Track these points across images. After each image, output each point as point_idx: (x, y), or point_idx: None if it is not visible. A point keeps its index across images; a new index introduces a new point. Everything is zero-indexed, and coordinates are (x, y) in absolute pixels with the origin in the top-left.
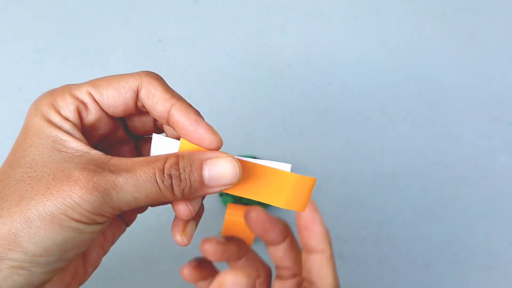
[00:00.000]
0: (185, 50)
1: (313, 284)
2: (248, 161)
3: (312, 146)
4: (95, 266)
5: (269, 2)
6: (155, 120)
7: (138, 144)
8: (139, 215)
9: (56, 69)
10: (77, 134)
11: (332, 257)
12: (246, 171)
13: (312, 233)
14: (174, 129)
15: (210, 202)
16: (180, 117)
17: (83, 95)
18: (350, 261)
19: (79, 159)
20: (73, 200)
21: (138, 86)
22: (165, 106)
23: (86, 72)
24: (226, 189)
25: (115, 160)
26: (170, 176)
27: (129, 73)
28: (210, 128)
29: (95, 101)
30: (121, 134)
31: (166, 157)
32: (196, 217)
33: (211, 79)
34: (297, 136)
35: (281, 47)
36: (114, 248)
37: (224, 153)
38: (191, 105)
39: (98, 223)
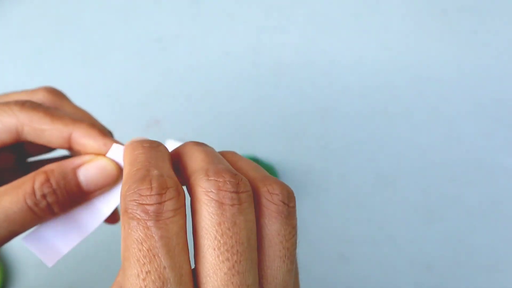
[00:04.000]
0: (185, 49)
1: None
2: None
3: (312, 146)
4: None
5: (269, 2)
6: None
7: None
8: None
9: (56, 69)
10: None
11: (93, 127)
12: None
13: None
14: (79, 152)
15: None
16: (85, 142)
17: None
18: (351, 262)
19: None
20: None
21: (17, 126)
22: (61, 137)
23: (85, 72)
24: (109, 188)
25: None
26: (43, 196)
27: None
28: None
29: None
30: None
31: (32, 177)
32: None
33: (211, 79)
34: (297, 136)
35: (281, 47)
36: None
37: (93, 154)
38: (90, 125)
39: None
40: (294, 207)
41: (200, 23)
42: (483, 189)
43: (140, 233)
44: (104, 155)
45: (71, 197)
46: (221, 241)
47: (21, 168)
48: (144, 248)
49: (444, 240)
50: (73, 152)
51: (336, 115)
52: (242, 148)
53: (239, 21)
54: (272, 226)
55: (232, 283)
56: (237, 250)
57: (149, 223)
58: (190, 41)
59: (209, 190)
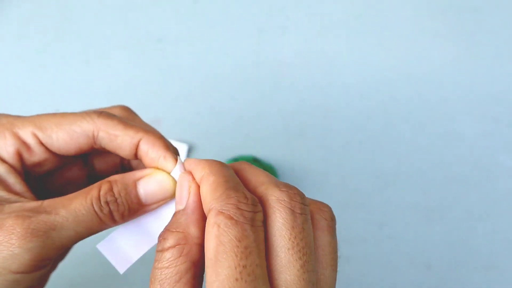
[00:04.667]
0: (185, 50)
1: None
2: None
3: (312, 146)
4: (44, 284)
5: (269, 2)
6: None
7: (88, 158)
8: None
9: (56, 69)
10: (12, 178)
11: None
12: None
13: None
14: (142, 161)
15: None
16: (148, 151)
17: (27, 135)
18: (351, 262)
19: (10, 208)
20: (11, 251)
21: (93, 131)
22: (132, 143)
23: (86, 72)
24: (165, 203)
25: (49, 202)
26: (107, 203)
27: (80, 114)
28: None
29: (41, 143)
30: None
31: (99, 185)
32: None
33: (211, 79)
34: (297, 136)
35: (281, 47)
36: None
37: (156, 168)
38: (159, 135)
39: (40, 269)
40: (335, 224)
41: (200, 23)
42: (483, 189)
43: (238, 232)
44: (163, 169)
45: (130, 208)
46: (294, 242)
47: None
48: (241, 245)
49: (444, 240)
50: (140, 164)
51: (336, 115)
52: (242, 148)
53: (240, 21)
54: (325, 238)
55: (304, 279)
56: (306, 252)
57: (246, 226)
58: (191, 41)
59: (282, 199)
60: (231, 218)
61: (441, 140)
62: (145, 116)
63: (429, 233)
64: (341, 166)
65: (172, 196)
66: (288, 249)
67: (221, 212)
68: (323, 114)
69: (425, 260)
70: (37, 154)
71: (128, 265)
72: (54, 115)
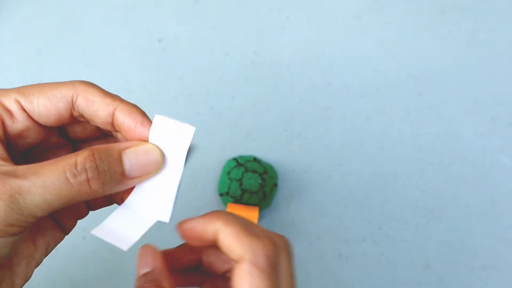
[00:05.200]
0: (185, 50)
1: None
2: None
3: (312, 146)
4: (25, 278)
5: (269, 2)
6: (97, 127)
7: (79, 147)
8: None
9: (56, 69)
10: None
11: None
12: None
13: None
14: (120, 133)
15: (210, 202)
16: (125, 119)
17: (10, 102)
18: (350, 261)
19: None
20: None
21: (73, 95)
22: (107, 110)
23: (86, 72)
24: (146, 179)
25: (23, 167)
26: (85, 169)
27: (63, 82)
28: None
29: (24, 109)
30: (56, 140)
31: (77, 153)
32: None
33: (211, 79)
34: (297, 136)
35: (281, 47)
36: (115, 246)
37: (143, 141)
38: (135, 105)
39: (11, 235)
40: None
41: (200, 23)
42: (482, 189)
43: (269, 282)
44: (147, 141)
45: (111, 177)
46: None
47: (69, 147)
48: None
49: (443, 239)
50: (115, 134)
51: (336, 115)
52: (242, 148)
53: (239, 21)
54: None
55: None
56: None
57: (273, 274)
58: (191, 42)
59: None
60: (263, 269)
61: (440, 140)
62: None
63: (428, 232)
64: (341, 166)
65: (158, 168)
66: None
67: (252, 262)
68: (323, 114)
69: (425, 259)
70: (20, 122)
71: (132, 243)
72: (40, 84)
